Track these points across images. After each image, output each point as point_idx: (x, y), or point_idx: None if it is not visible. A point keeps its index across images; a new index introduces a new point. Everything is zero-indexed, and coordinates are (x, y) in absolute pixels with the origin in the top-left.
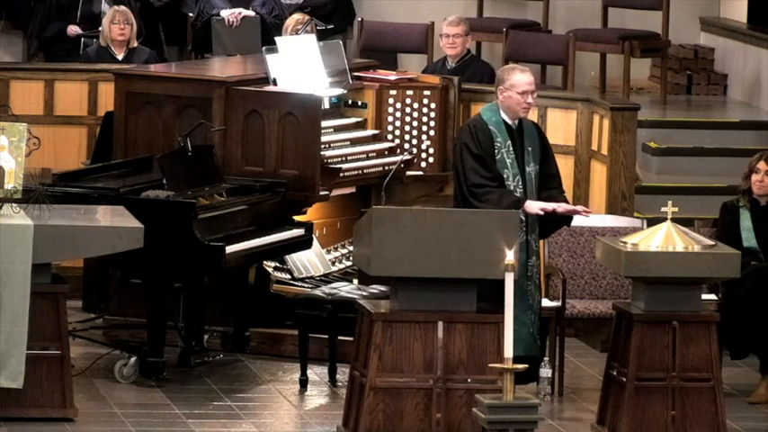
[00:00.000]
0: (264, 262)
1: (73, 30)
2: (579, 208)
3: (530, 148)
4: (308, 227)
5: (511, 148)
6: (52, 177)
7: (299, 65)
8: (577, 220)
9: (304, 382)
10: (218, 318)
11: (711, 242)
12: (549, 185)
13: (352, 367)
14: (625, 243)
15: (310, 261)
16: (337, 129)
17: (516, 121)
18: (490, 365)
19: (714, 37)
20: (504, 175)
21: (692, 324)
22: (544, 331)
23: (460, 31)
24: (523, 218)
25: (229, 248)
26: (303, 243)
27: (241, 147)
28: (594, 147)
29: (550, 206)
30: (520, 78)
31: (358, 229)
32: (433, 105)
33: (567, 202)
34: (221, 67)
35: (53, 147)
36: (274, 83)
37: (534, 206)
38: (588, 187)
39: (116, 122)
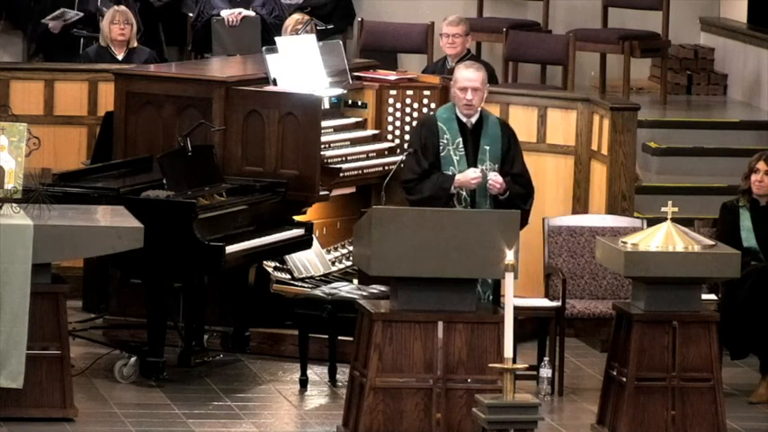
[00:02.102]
0: (264, 262)
1: (54, 25)
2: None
3: (486, 147)
4: (308, 227)
5: (460, 146)
6: (52, 177)
7: (299, 65)
8: (577, 221)
9: (304, 382)
10: (218, 318)
11: (711, 242)
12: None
13: (352, 367)
14: (625, 243)
15: (310, 261)
16: (337, 129)
17: (473, 119)
18: (490, 365)
19: (714, 37)
20: (450, 172)
21: (692, 324)
22: (544, 331)
23: (460, 31)
24: (467, 197)
25: (229, 248)
26: (303, 243)
27: (241, 147)
28: (594, 147)
29: (476, 172)
30: (461, 74)
31: (358, 229)
32: (432, 105)
33: (524, 195)
34: (221, 67)
35: (53, 147)
36: (274, 83)
37: (464, 177)
38: (588, 187)
39: (116, 122)
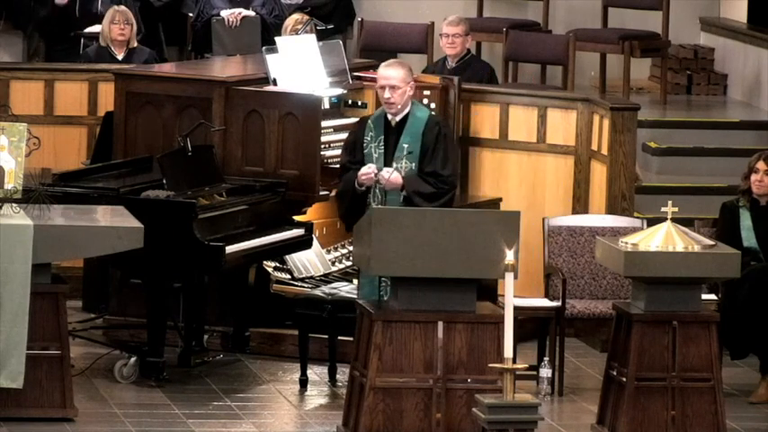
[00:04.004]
0: (264, 262)
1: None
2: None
3: (405, 146)
4: (308, 227)
5: (381, 144)
6: (52, 177)
7: (299, 65)
8: (577, 221)
9: (304, 382)
10: (218, 318)
11: (711, 242)
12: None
13: (352, 367)
14: (625, 243)
15: (310, 261)
16: (337, 129)
17: (398, 117)
18: (490, 365)
19: (714, 37)
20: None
21: (692, 324)
22: (544, 331)
23: (460, 31)
24: (380, 194)
25: (229, 248)
26: (303, 243)
27: (241, 147)
28: (594, 147)
29: (370, 167)
30: (379, 72)
31: (358, 229)
32: (432, 105)
33: (428, 194)
34: (221, 67)
35: (53, 147)
36: (274, 83)
37: (359, 173)
38: (588, 187)
39: (116, 122)
